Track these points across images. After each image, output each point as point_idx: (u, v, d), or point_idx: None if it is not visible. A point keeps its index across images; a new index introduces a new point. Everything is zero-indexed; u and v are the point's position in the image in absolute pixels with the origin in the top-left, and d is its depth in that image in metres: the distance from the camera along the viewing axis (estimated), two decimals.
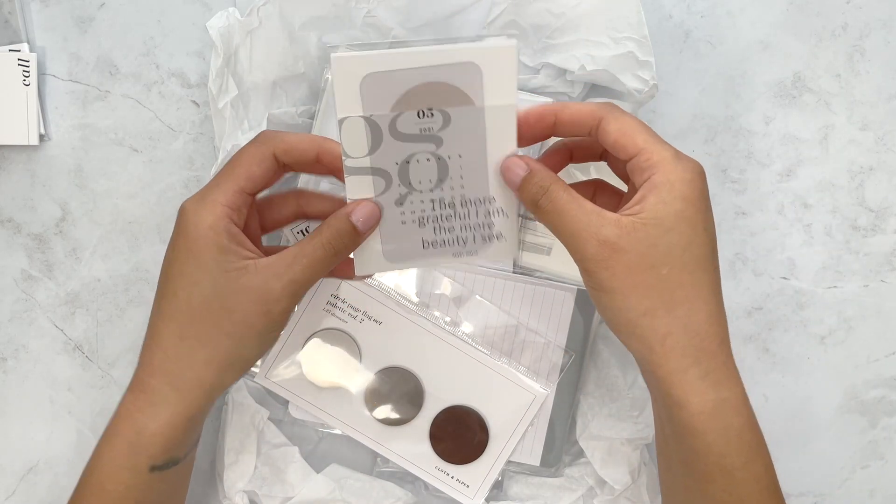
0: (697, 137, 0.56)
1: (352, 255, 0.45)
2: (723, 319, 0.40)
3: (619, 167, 0.44)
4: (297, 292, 0.43)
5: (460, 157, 0.44)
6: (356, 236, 0.43)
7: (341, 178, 0.43)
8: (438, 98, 0.42)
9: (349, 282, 0.54)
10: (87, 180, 0.56)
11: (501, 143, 0.43)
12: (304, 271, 0.42)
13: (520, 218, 0.47)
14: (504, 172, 0.42)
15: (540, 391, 0.53)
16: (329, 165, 0.44)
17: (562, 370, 0.54)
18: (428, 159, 0.44)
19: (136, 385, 0.44)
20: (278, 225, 0.48)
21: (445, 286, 0.54)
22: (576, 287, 0.54)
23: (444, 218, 0.45)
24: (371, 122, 0.42)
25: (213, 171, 0.52)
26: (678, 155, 0.40)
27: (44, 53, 0.55)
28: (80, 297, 0.56)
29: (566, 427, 0.54)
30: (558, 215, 0.40)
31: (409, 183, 0.44)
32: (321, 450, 0.56)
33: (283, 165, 0.44)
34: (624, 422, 0.53)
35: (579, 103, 0.43)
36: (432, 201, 0.44)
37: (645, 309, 0.39)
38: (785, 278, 0.56)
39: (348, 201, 0.44)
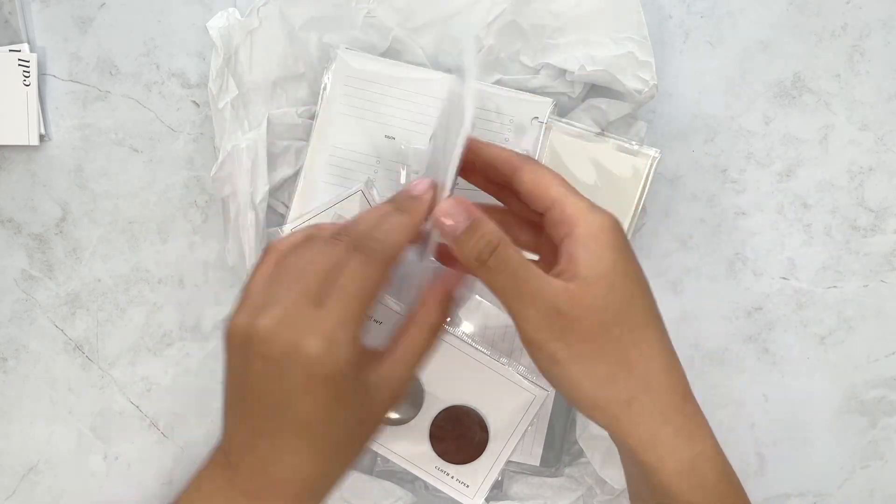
0: (697, 137, 0.56)
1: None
2: (681, 370, 0.39)
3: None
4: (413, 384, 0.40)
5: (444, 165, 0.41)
6: (451, 308, 0.40)
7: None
8: (451, 117, 0.42)
9: None
10: (88, 180, 0.56)
11: (442, 212, 0.38)
12: (414, 367, 0.39)
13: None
14: (439, 220, 0.38)
15: (540, 391, 0.53)
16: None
17: None
18: (440, 163, 0.44)
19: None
20: None
21: None
22: None
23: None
24: (436, 131, 0.46)
25: (214, 171, 0.52)
26: (592, 206, 0.38)
27: (44, 53, 0.55)
28: (80, 297, 0.56)
29: (566, 427, 0.54)
30: (508, 278, 0.36)
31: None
32: None
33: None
34: None
35: (499, 148, 0.40)
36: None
37: (604, 376, 0.37)
38: (785, 278, 0.56)
39: None
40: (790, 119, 0.56)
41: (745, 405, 0.57)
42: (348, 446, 0.38)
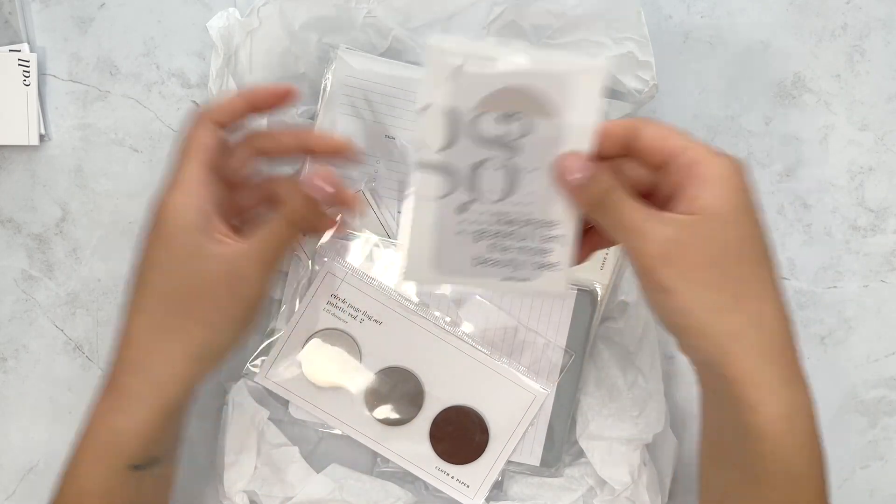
0: (697, 137, 0.55)
1: (401, 262, 0.43)
2: (789, 315, 0.38)
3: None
4: (266, 272, 0.43)
5: (530, 171, 0.41)
6: (315, 206, 0.43)
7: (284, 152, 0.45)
8: (522, 105, 0.40)
9: (349, 282, 0.54)
10: (88, 180, 0.56)
11: (568, 162, 0.40)
12: (270, 250, 0.42)
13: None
14: (561, 172, 0.40)
15: (540, 391, 0.53)
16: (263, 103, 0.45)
17: (562, 370, 0.54)
18: (500, 168, 0.41)
19: (111, 384, 0.44)
20: (252, 200, 0.46)
21: (445, 286, 0.53)
22: (575, 287, 0.54)
23: (502, 235, 0.42)
24: (453, 115, 0.40)
25: None
26: (716, 151, 0.39)
27: (44, 54, 0.55)
28: (80, 298, 0.56)
29: (566, 427, 0.54)
30: (620, 213, 0.38)
31: (476, 189, 0.41)
32: (321, 450, 0.56)
33: (226, 125, 0.44)
34: (624, 422, 0.53)
35: (613, 122, 0.41)
36: (495, 214, 0.42)
37: (713, 306, 0.37)
38: (785, 278, 0.56)
39: (410, 194, 0.41)
40: (790, 119, 0.56)
41: None
42: (187, 315, 0.42)
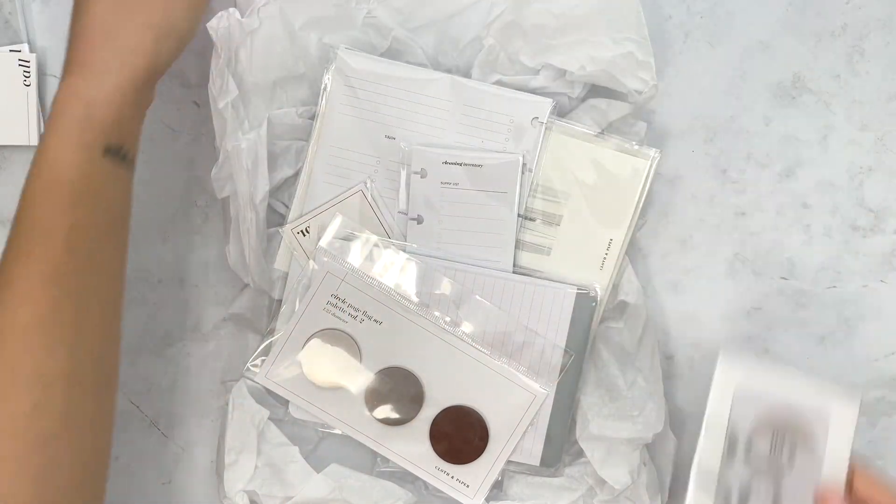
0: (697, 137, 0.56)
1: None
2: None
3: None
4: None
5: (793, 497, 0.44)
6: None
7: None
8: (789, 429, 0.43)
9: (349, 282, 0.54)
10: None
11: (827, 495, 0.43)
12: None
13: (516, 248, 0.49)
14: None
15: (540, 391, 0.53)
16: None
17: (561, 371, 0.54)
18: (767, 490, 0.43)
19: (74, 62, 0.44)
20: None
21: (445, 286, 0.54)
22: (575, 287, 0.54)
23: None
24: (733, 433, 0.43)
25: (215, 171, 0.52)
26: None
27: (44, 54, 0.55)
28: None
29: (566, 427, 0.54)
30: None
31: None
32: (321, 450, 0.56)
33: None
34: (624, 422, 0.53)
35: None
36: None
37: None
38: (784, 278, 0.56)
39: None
40: (790, 119, 0.56)
41: None
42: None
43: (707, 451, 0.44)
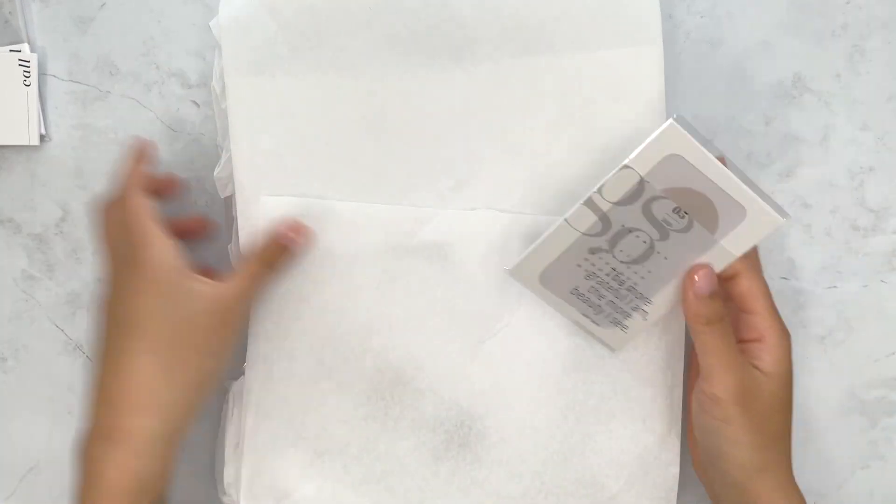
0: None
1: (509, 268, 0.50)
2: (790, 451, 0.49)
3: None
4: (248, 305, 0.51)
5: (665, 258, 0.47)
6: (288, 254, 0.50)
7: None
8: (698, 210, 0.46)
9: None
10: (88, 180, 0.56)
11: (700, 276, 0.47)
12: (251, 287, 0.49)
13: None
14: (696, 278, 0.47)
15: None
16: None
17: None
18: (644, 242, 0.47)
19: (115, 429, 0.45)
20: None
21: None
22: None
23: (606, 286, 0.49)
24: (642, 186, 0.46)
25: (217, 172, 0.53)
26: (783, 328, 0.48)
27: (44, 54, 0.55)
28: (80, 298, 0.56)
29: None
30: (719, 343, 0.47)
31: (614, 246, 0.47)
32: None
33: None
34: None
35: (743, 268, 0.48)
36: (613, 270, 0.48)
37: (757, 444, 0.46)
38: (785, 278, 0.56)
39: (565, 219, 0.47)
40: (790, 119, 0.56)
41: None
42: (187, 347, 0.46)
43: (613, 183, 0.46)
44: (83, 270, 0.56)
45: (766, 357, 0.47)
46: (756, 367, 0.47)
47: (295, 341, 0.53)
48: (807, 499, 0.57)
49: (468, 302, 0.52)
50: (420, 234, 0.52)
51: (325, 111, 0.51)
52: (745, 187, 0.45)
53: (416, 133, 0.52)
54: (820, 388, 0.57)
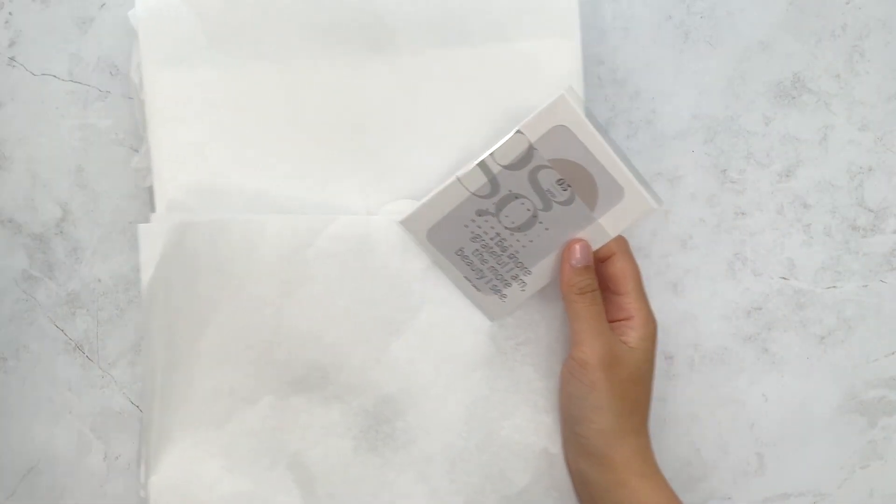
0: (697, 137, 0.56)
1: (400, 219, 0.51)
2: (647, 421, 0.51)
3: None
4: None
5: (547, 229, 0.49)
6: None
7: None
8: (580, 184, 0.48)
9: None
10: (88, 180, 0.56)
11: (577, 249, 0.49)
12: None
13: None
14: (574, 250, 0.50)
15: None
16: None
17: None
18: (528, 210, 0.49)
19: None
20: None
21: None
22: None
23: (489, 250, 0.50)
24: (531, 153, 0.48)
25: (134, 163, 0.53)
26: (649, 313, 0.50)
27: (44, 53, 0.55)
28: (80, 298, 0.56)
29: None
30: (590, 311, 0.49)
31: (500, 211, 0.49)
32: None
33: None
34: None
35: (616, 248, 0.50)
36: (498, 234, 0.50)
37: (618, 411, 0.48)
38: (784, 278, 0.56)
39: (457, 176, 0.49)
40: (790, 119, 0.56)
41: (745, 405, 0.57)
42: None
43: (506, 147, 0.48)
44: (83, 270, 0.56)
45: (633, 334, 0.49)
46: (623, 342, 0.49)
47: (191, 367, 0.52)
48: (807, 498, 0.58)
49: (371, 307, 0.52)
50: (317, 242, 0.52)
51: (246, 102, 0.51)
52: (624, 168, 0.47)
53: (337, 124, 0.52)
54: (820, 388, 0.57)
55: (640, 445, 0.49)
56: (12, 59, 0.55)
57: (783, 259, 0.56)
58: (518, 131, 0.47)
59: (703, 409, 0.57)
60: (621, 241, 0.50)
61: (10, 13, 0.54)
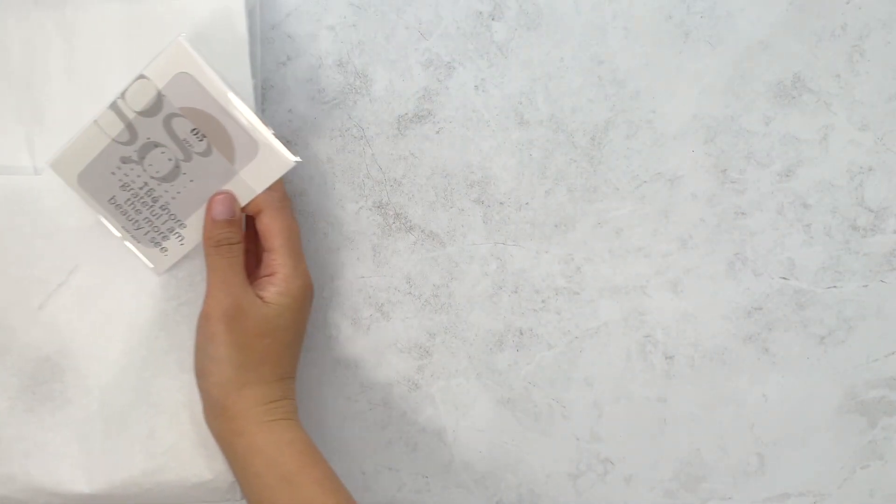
0: (697, 137, 0.56)
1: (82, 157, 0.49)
2: (292, 378, 0.52)
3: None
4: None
5: (192, 181, 0.49)
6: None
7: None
8: (215, 136, 0.48)
9: None
10: None
11: (218, 201, 0.49)
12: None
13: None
14: (215, 203, 0.49)
15: None
16: None
17: None
18: (170, 159, 0.49)
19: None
20: None
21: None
22: None
23: (141, 201, 0.50)
24: (160, 100, 0.47)
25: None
26: (296, 269, 0.50)
27: None
28: None
29: None
30: (223, 264, 0.49)
31: (143, 158, 0.49)
32: None
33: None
34: None
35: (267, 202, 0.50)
36: (146, 184, 0.49)
37: (241, 362, 0.49)
38: (785, 278, 0.56)
39: (94, 119, 0.48)
40: (790, 119, 0.56)
41: (745, 405, 0.57)
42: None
43: (134, 91, 0.47)
44: None
45: (272, 289, 0.50)
46: (259, 297, 0.49)
47: None
48: (807, 498, 0.58)
49: (27, 266, 0.52)
50: None
51: None
52: (255, 121, 0.47)
53: (0, 77, 0.51)
54: (820, 388, 0.57)
55: (263, 395, 0.49)
56: None
57: (783, 259, 0.56)
58: (142, 76, 0.47)
59: (703, 409, 0.57)
60: (271, 197, 0.50)
61: None
